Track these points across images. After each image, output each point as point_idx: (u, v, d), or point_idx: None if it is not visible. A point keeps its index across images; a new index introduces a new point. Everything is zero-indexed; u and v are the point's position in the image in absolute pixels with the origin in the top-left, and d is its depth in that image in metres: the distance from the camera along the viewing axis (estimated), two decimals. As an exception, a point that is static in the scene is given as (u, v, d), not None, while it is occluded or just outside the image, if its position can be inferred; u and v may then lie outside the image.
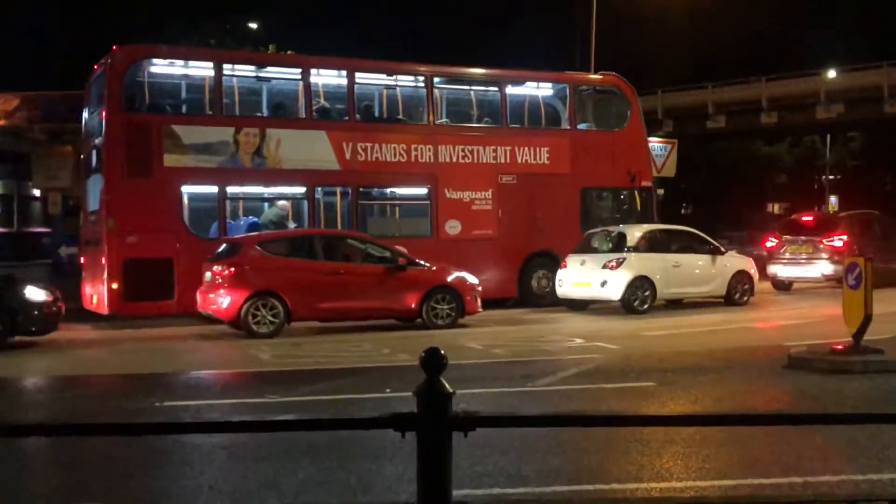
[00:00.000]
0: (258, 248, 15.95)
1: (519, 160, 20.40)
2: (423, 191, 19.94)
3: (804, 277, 23.06)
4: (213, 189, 18.17)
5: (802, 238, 23.12)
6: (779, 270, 23.04)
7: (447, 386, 2.76)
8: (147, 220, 17.14)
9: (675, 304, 19.39)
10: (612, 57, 33.07)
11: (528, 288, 20.13)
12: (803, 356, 11.68)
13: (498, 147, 20.26)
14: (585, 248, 19.22)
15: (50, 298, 14.28)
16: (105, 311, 17.18)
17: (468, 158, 20.04)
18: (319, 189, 19.16)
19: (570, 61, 33.03)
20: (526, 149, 20.49)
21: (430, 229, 19.76)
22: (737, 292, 19.41)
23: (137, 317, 17.57)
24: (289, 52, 21.14)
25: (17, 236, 34.05)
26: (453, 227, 19.81)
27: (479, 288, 16.86)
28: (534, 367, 11.80)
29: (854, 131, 57.61)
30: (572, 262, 18.87)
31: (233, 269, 15.43)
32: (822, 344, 12.18)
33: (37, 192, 30.47)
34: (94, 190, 18.45)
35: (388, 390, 9.96)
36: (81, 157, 20.36)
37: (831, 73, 42.76)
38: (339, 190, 19.52)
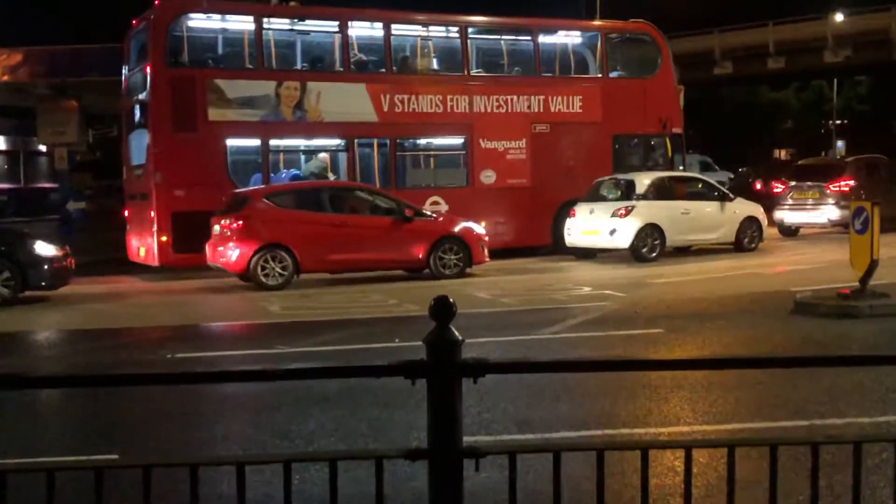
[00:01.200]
0: (266, 200, 16.00)
1: (552, 109, 20.61)
2: (458, 141, 20.18)
3: (811, 223, 23.04)
4: (256, 142, 18.44)
5: (809, 183, 23.04)
6: (785, 216, 22.99)
7: (456, 333, 2.79)
8: (193, 173, 17.37)
9: (685, 251, 19.40)
10: (617, 3, 32.68)
11: (561, 235, 20.00)
12: (809, 301, 11.73)
13: (531, 96, 20.45)
14: (594, 196, 19.20)
15: (60, 253, 14.35)
16: (155, 262, 17.48)
17: (502, 108, 20.23)
18: (358, 141, 19.39)
19: (574, 9, 32.65)
20: (558, 98, 20.67)
21: (466, 179, 20.08)
22: (746, 238, 19.42)
23: (186, 268, 17.82)
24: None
25: (24, 192, 34.13)
26: (488, 177, 20.06)
27: (486, 237, 16.90)
28: (542, 315, 11.88)
29: (861, 76, 57.04)
30: (581, 210, 18.87)
31: (241, 222, 15.49)
32: (829, 289, 12.21)
33: (43, 148, 30.45)
34: (138, 144, 18.68)
35: (397, 340, 10.04)
36: (122, 113, 20.51)
37: (839, 17, 42.23)
38: (377, 142, 19.76)
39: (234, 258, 15.48)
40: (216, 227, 15.89)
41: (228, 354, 9.98)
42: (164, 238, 17.07)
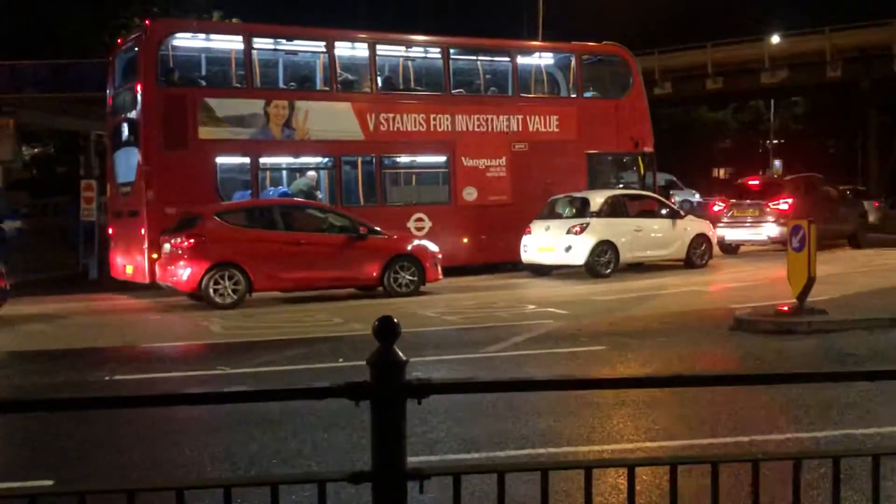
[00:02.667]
0: (217, 218, 15.87)
1: (530, 128, 21.22)
2: (441, 159, 20.65)
3: (751, 240, 23.47)
4: (246, 160, 18.64)
5: (748, 201, 23.48)
6: (726, 234, 23.39)
7: (400, 354, 2.77)
8: (183, 190, 17.33)
9: (637, 268, 19.66)
10: (562, 25, 33.09)
11: None
12: (749, 318, 11.91)
13: (510, 116, 21.04)
14: (549, 213, 19.48)
15: (-6, 273, 14.00)
16: (145, 280, 17.31)
17: (483, 127, 20.76)
18: (344, 158, 19.67)
19: (517, 29, 32.95)
20: (536, 117, 21.29)
21: (449, 196, 20.52)
22: (696, 255, 19.83)
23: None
24: (234, 20, 20.93)
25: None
26: (470, 194, 20.53)
27: (440, 256, 16.99)
28: (486, 333, 11.89)
29: (798, 96, 58.34)
30: (537, 227, 19.10)
31: (192, 240, 15.34)
32: (768, 306, 12.42)
33: (-23, 166, 29.75)
34: (125, 162, 18.76)
35: (340, 360, 9.97)
36: (107, 131, 20.68)
37: (775, 39, 43.20)
38: (362, 159, 20.03)
39: (185, 277, 15.30)
40: (166, 246, 15.72)
41: (169, 376, 9.81)
42: (154, 255, 16.83)
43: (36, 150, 39.28)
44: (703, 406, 7.58)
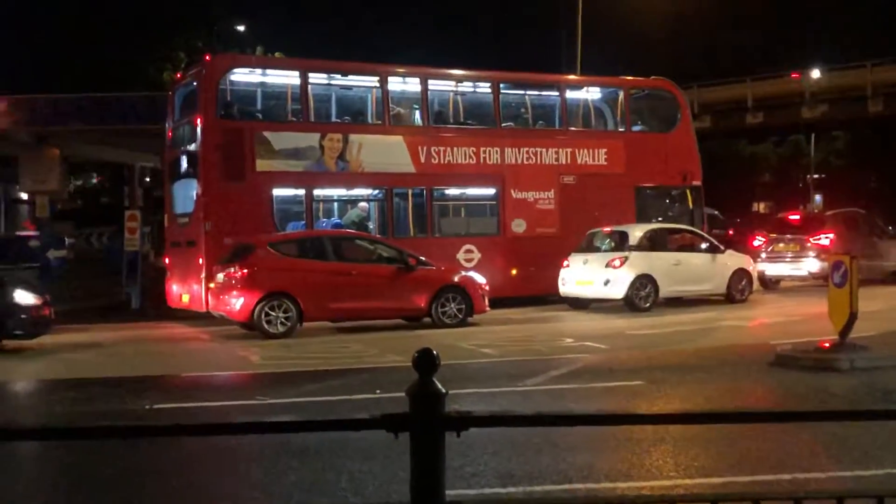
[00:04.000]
0: (270, 249, 16.08)
1: (579, 161, 21.38)
2: (491, 191, 20.85)
3: (791, 275, 23.22)
4: (301, 192, 18.96)
5: (789, 236, 23.27)
6: (767, 268, 23.15)
7: (440, 386, 2.79)
8: (240, 222, 17.64)
9: (677, 302, 19.51)
10: (600, 61, 33.18)
11: None
12: (790, 354, 11.76)
13: (559, 149, 21.21)
14: (588, 247, 19.44)
15: (39, 302, 14.23)
16: (203, 309, 17.52)
17: (532, 160, 20.95)
18: (396, 191, 19.96)
19: (557, 65, 33.11)
20: (585, 150, 21.45)
21: (498, 228, 20.68)
22: (737, 290, 19.61)
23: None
24: (277, 54, 21.29)
25: (3, 240, 33.90)
26: (519, 226, 20.71)
27: (487, 287, 17.05)
28: (524, 366, 11.85)
29: (838, 131, 57.84)
30: (575, 261, 19.06)
31: (245, 270, 15.53)
32: (809, 341, 12.26)
33: (24, 196, 30.36)
34: (183, 193, 19.22)
35: (378, 391, 9.98)
36: (165, 163, 21.15)
37: (815, 73, 42.95)
38: (413, 191, 20.29)
39: (237, 307, 15.47)
40: (220, 276, 15.92)
41: (208, 405, 9.89)
42: (212, 285, 17.02)
43: (81, 181, 39.97)
44: (743, 443, 7.49)
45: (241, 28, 39.17)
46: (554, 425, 3.22)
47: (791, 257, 22.91)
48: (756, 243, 24.20)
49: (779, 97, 43.54)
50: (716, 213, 38.30)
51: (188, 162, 18.94)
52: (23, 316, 13.89)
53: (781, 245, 23.18)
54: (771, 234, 23.84)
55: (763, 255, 23.18)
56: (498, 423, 3.18)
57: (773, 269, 23.20)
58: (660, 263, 18.81)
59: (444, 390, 2.78)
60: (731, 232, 30.49)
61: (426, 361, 2.85)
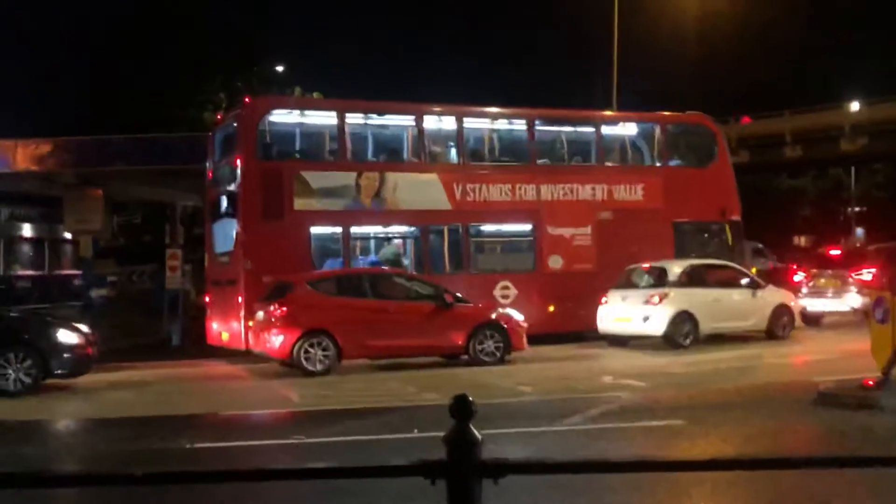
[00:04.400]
0: (308, 287, 16.21)
1: (615, 197, 21.36)
2: (527, 227, 20.92)
3: (834, 310, 22.91)
4: (338, 230, 19.16)
5: (830, 271, 23.01)
6: (808, 304, 22.88)
7: (476, 433, 2.82)
8: (279, 260, 17.78)
9: (717, 339, 19.31)
10: (636, 97, 33.22)
11: None
12: (832, 392, 11.60)
13: (596, 185, 21.21)
14: (626, 283, 19.34)
15: (82, 341, 14.42)
16: (242, 346, 17.67)
17: (569, 196, 20.97)
18: (432, 228, 20.10)
19: (590, 99, 33.22)
20: (621, 186, 21.44)
21: (535, 264, 20.67)
22: (778, 326, 19.39)
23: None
24: (315, 94, 21.61)
25: (48, 279, 34.42)
26: (556, 262, 20.69)
27: (525, 325, 17.01)
28: (562, 405, 11.79)
29: (879, 163, 57.26)
30: (613, 297, 18.97)
31: (285, 308, 15.65)
32: (852, 379, 12.08)
33: (68, 235, 30.86)
34: (223, 232, 19.51)
35: (415, 431, 9.98)
36: (205, 203, 21.53)
37: (854, 106, 42.67)
38: (449, 228, 20.36)
39: (277, 344, 15.59)
40: (259, 314, 16.05)
41: (247, 445, 9.95)
42: (251, 323, 17.16)
43: (123, 219, 40.54)
44: (785, 483, 7.38)
45: (279, 69, 39.76)
46: (589, 472, 3.22)
47: (833, 293, 22.63)
48: (797, 278, 23.97)
49: (817, 130, 43.33)
50: (760, 245, 37.98)
51: (228, 202, 19.20)
52: (66, 355, 14.07)
53: (823, 280, 22.92)
54: (812, 270, 23.60)
55: (804, 291, 22.93)
56: (534, 470, 3.19)
57: (814, 305, 22.91)
58: (699, 300, 18.65)
59: (480, 437, 2.81)
60: (771, 266, 30.14)
61: (462, 408, 2.88)
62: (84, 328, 16.45)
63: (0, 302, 16.37)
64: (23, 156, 24.60)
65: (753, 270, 21.46)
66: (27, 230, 35.04)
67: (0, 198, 32.28)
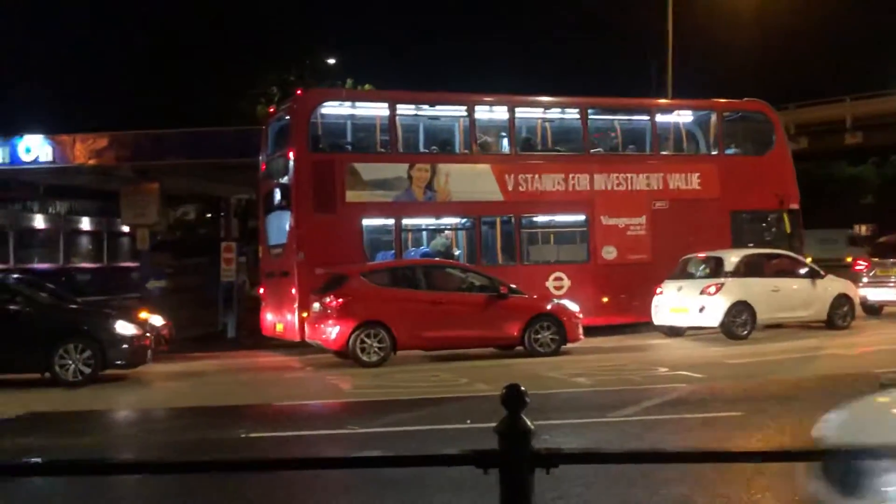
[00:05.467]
0: (363, 278, 16.27)
1: (671, 186, 21.08)
2: (580, 218, 20.67)
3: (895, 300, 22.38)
4: (390, 221, 19.20)
5: (892, 260, 22.47)
6: (869, 293, 22.37)
7: (528, 422, 2.76)
8: (332, 252, 17.91)
9: (776, 329, 19.00)
10: (692, 84, 32.80)
11: None
12: (893, 383, 11.30)
13: (651, 174, 20.97)
14: (682, 273, 19.09)
15: (140, 332, 14.64)
16: (296, 338, 17.86)
17: (623, 186, 20.74)
18: (483, 219, 20.03)
19: (646, 86, 32.81)
20: (677, 175, 21.14)
21: (588, 255, 20.49)
22: (838, 316, 19.02)
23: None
24: (367, 86, 21.61)
25: (105, 271, 35.05)
26: (609, 253, 20.46)
27: (581, 316, 16.90)
28: (616, 396, 11.66)
29: (943, 149, 55.83)
30: (668, 288, 18.75)
31: (340, 299, 15.74)
32: (916, 370, 11.78)
33: (125, 228, 31.36)
34: (276, 225, 19.67)
35: (468, 421, 9.94)
36: (260, 195, 21.59)
37: (918, 91, 41.69)
38: (501, 219, 20.31)
39: (333, 335, 15.67)
40: (315, 305, 16.15)
41: (300, 434, 10.00)
42: (304, 314, 17.32)
43: (179, 212, 41.07)
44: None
45: (332, 61, 39.90)
46: (642, 462, 3.15)
47: (895, 282, 22.10)
48: (857, 267, 23.46)
49: (879, 116, 42.37)
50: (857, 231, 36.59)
51: (281, 194, 19.31)
52: (124, 346, 14.29)
53: (884, 269, 22.38)
54: (873, 258, 23.07)
55: (865, 280, 22.43)
56: (587, 460, 3.13)
57: (875, 295, 22.40)
58: (757, 289, 18.34)
59: (532, 427, 2.75)
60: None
61: (514, 398, 2.82)
62: (160, 319, 16.93)
63: (60, 294, 16.62)
64: (81, 150, 24.98)
65: (809, 259, 20.97)
66: (86, 223, 35.74)
67: (59, 192, 32.95)
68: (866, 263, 23.13)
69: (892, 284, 22.14)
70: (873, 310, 22.58)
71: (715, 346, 17.29)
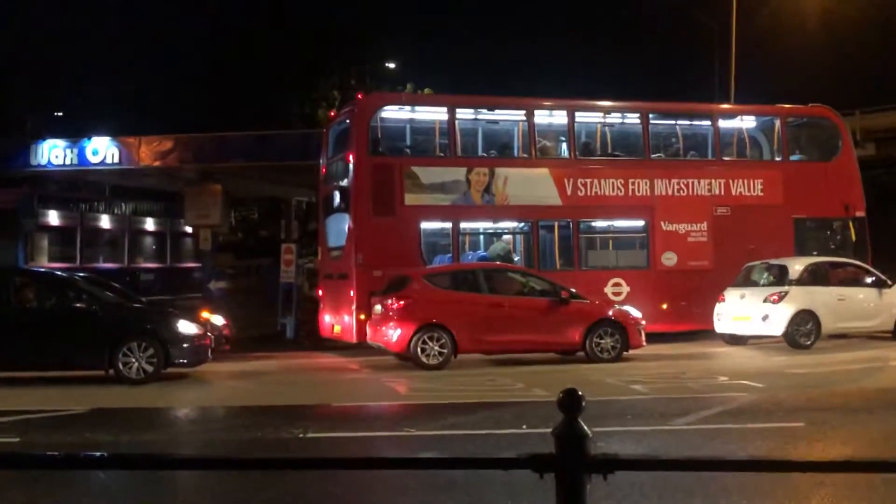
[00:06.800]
0: (425, 281, 16.35)
1: (733, 192, 20.81)
2: (639, 223, 20.53)
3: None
4: (448, 225, 19.27)
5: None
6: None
7: (585, 427, 2.76)
8: (390, 255, 18.08)
9: (842, 339, 18.64)
10: (755, 89, 32.35)
11: None
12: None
13: (712, 179, 20.72)
14: (745, 281, 18.84)
15: (201, 332, 14.87)
16: (353, 339, 18.07)
17: (683, 191, 20.55)
18: (541, 223, 20.01)
19: (710, 92, 32.45)
20: (740, 181, 20.86)
21: (647, 261, 20.33)
22: None
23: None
24: (426, 90, 21.70)
25: (168, 271, 35.68)
26: (669, 259, 20.26)
27: (643, 322, 16.76)
28: (675, 404, 11.55)
29: None
30: (731, 295, 18.52)
31: (402, 302, 15.84)
32: None
33: (188, 229, 31.90)
34: (336, 227, 19.85)
35: (524, 426, 9.93)
36: (320, 198, 21.89)
37: None
38: (559, 224, 20.25)
39: (394, 338, 15.77)
40: (377, 307, 16.28)
41: (357, 436, 10.07)
42: (362, 316, 17.46)
43: (241, 214, 41.63)
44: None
45: (392, 65, 40.18)
46: (700, 470, 3.12)
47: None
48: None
49: (951, 122, 41.23)
50: None
51: (341, 197, 19.48)
52: (185, 345, 14.53)
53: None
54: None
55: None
56: (644, 466, 3.11)
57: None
58: (822, 298, 18.01)
59: (589, 432, 2.75)
60: None
61: (571, 402, 2.83)
62: (220, 319, 17.21)
63: (125, 293, 16.97)
64: (146, 152, 25.51)
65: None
66: (150, 224, 36.42)
67: (125, 193, 33.63)
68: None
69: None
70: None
71: (777, 355, 17.01)
